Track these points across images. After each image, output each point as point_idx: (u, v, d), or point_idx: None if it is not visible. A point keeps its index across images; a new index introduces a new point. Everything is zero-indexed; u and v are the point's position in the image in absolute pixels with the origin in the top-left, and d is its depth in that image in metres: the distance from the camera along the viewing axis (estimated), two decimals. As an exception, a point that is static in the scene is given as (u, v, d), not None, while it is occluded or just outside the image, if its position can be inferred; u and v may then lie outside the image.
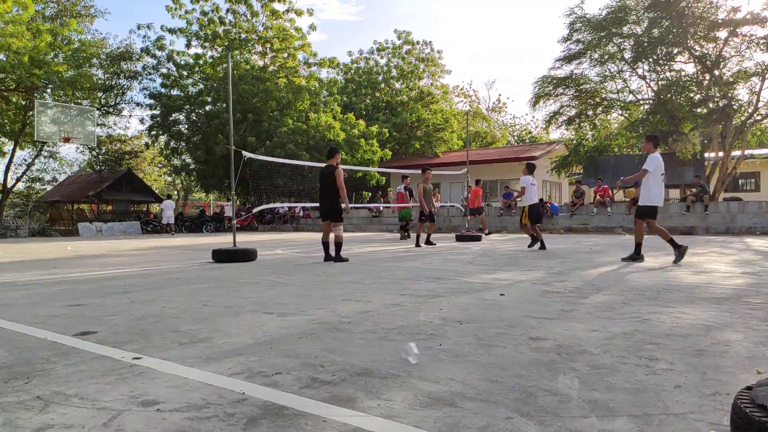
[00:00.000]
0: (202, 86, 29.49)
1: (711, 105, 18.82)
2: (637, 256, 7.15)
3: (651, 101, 21.02)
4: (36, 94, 23.82)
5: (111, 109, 30.43)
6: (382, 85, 34.78)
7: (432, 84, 35.77)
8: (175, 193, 46.81)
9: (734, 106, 18.63)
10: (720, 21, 18.16)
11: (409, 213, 15.12)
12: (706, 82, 19.27)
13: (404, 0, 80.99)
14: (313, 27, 30.27)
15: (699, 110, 19.19)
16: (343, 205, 7.69)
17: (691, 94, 19.63)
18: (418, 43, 34.72)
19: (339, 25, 75.72)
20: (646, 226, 7.29)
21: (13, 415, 1.76)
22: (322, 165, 8.02)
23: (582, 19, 20.49)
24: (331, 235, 7.70)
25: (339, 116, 27.49)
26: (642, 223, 7.24)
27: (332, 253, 7.66)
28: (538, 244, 9.66)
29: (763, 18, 17.43)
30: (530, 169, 9.82)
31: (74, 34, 25.14)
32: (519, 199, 10.75)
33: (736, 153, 19.95)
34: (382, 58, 35.00)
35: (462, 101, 44.43)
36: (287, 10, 29.22)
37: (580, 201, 18.95)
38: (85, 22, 27.65)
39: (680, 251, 6.91)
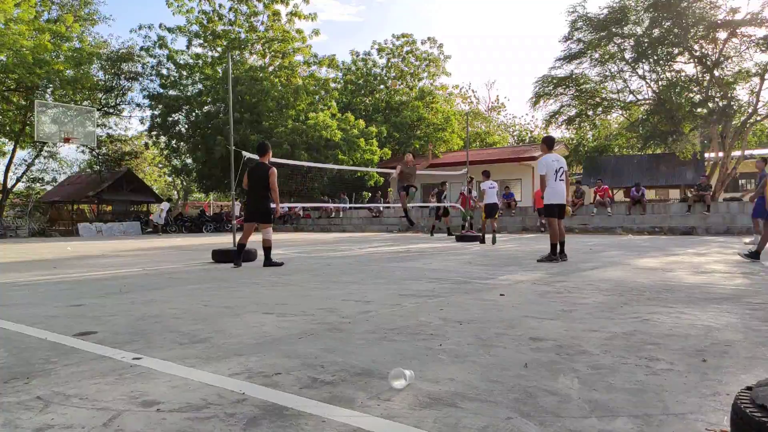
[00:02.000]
0: (201, 86, 29.50)
1: (711, 105, 18.82)
2: (553, 256, 7.18)
3: (651, 101, 21.02)
4: (36, 94, 23.82)
5: (111, 110, 30.44)
6: (381, 87, 34.78)
7: (432, 84, 35.78)
8: (175, 193, 46.80)
9: (734, 107, 18.63)
10: (720, 21, 18.16)
11: (469, 213, 15.95)
12: (706, 82, 19.27)
13: (404, 0, 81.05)
14: (316, 32, 30.32)
15: (699, 110, 19.20)
16: (273, 206, 7.31)
17: (691, 94, 19.63)
18: (429, 39, 34.76)
19: (339, 25, 75.73)
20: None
21: (14, 415, 1.76)
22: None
23: (584, 17, 20.50)
24: (259, 237, 7.25)
25: (337, 115, 27.49)
26: (555, 222, 7.34)
27: (263, 256, 7.23)
28: (491, 237, 11.95)
29: (762, 18, 17.44)
30: (487, 176, 12.57)
31: (74, 33, 25.15)
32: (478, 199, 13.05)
33: (736, 153, 19.96)
34: (381, 58, 35.01)
35: (461, 103, 44.45)
36: (291, 13, 29.27)
37: (580, 201, 18.96)
38: (86, 25, 27.67)
39: (553, 257, 7.09)
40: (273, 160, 11.81)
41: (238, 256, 7.22)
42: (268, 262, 7.11)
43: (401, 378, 2.01)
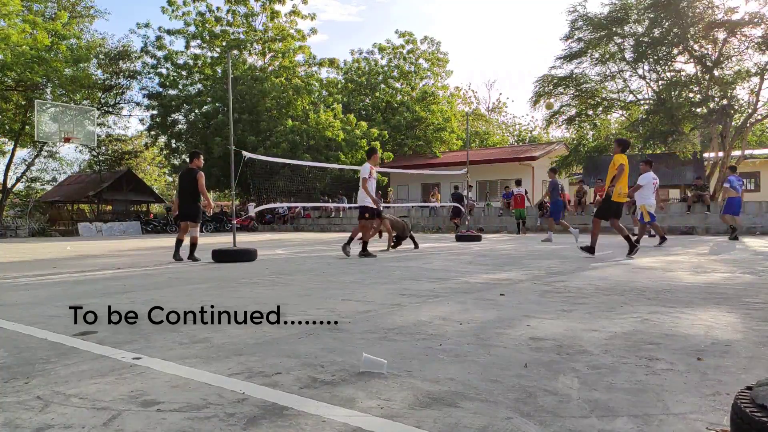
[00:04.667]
0: (200, 86, 29.49)
1: (711, 105, 18.81)
2: (365, 251, 8.36)
3: (651, 101, 21.01)
4: (36, 93, 23.81)
5: (111, 109, 30.44)
6: (382, 86, 34.74)
7: (433, 84, 35.76)
8: (175, 193, 46.76)
9: (734, 106, 18.62)
10: (718, 21, 18.16)
11: (524, 213, 17.29)
12: (706, 82, 19.27)
13: (404, 0, 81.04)
14: (314, 30, 30.40)
15: (699, 110, 19.18)
16: (204, 206, 8.30)
17: (691, 94, 19.62)
18: (426, 39, 34.73)
19: (340, 25, 75.79)
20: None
21: (13, 415, 1.76)
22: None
23: (584, 17, 20.48)
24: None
25: (340, 116, 27.50)
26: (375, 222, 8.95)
27: (185, 253, 8.12)
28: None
29: (761, 17, 17.43)
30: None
31: (70, 31, 25.15)
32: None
33: (736, 153, 19.94)
34: (383, 58, 34.97)
35: (462, 102, 44.40)
36: (291, 12, 29.28)
37: (583, 200, 19.04)
38: (84, 22, 27.66)
39: (345, 249, 8.41)
40: (274, 160, 11.88)
41: (177, 251, 8.12)
42: (192, 257, 7.97)
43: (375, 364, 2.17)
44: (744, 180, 26.23)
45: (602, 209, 7.94)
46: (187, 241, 8.24)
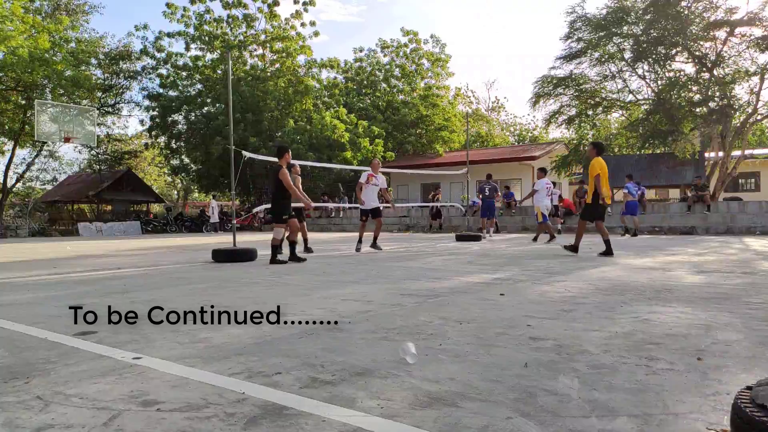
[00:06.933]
0: (200, 87, 29.48)
1: (711, 105, 18.82)
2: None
3: (651, 101, 21.01)
4: (36, 93, 23.80)
5: (110, 109, 30.44)
6: (383, 85, 34.70)
7: (435, 85, 35.76)
8: (175, 193, 46.72)
9: (734, 106, 18.63)
10: (717, 21, 18.16)
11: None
12: (706, 82, 19.27)
13: (405, 0, 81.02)
14: (316, 33, 30.33)
15: (699, 110, 19.19)
16: (304, 205, 8.28)
17: (691, 94, 19.63)
18: (432, 37, 34.81)
19: (340, 26, 75.72)
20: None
21: (13, 415, 1.76)
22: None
23: (582, 18, 20.49)
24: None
25: (343, 117, 27.52)
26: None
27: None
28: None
29: (761, 18, 17.43)
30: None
31: (71, 32, 25.14)
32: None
33: (736, 153, 19.94)
34: (385, 56, 34.93)
35: (462, 103, 44.37)
36: (293, 15, 29.28)
37: (583, 201, 19.07)
38: (81, 20, 27.65)
39: (376, 246, 9.40)
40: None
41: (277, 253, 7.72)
42: (273, 258, 7.56)
43: (409, 354, 2.34)
44: (743, 180, 26.36)
45: (589, 211, 8.30)
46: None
